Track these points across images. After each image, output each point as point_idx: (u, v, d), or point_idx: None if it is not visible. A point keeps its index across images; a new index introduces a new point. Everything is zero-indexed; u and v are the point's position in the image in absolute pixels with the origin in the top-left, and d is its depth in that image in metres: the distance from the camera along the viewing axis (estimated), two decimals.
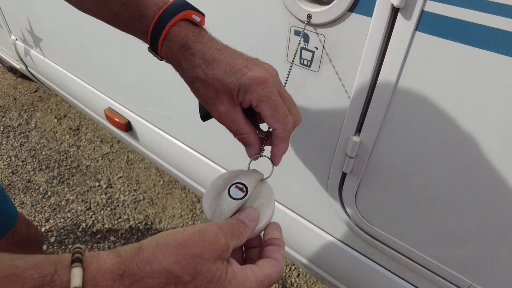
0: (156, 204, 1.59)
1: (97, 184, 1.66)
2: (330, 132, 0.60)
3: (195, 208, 1.57)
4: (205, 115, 0.45)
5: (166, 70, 0.80)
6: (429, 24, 0.43)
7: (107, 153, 1.83)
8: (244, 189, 0.36)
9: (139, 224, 1.50)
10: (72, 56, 1.21)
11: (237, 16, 0.62)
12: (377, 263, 0.70)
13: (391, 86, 0.48)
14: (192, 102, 0.83)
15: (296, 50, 0.56)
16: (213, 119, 0.43)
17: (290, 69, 0.52)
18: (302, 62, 0.57)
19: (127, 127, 1.09)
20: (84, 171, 1.72)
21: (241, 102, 0.38)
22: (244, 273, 0.30)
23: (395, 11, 0.44)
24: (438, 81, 0.45)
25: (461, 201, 0.52)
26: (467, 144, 0.47)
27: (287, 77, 0.50)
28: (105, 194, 1.61)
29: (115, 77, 1.07)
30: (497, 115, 0.43)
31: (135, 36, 0.45)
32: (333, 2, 0.49)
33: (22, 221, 0.79)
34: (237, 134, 0.40)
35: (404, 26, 0.44)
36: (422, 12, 0.42)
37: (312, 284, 1.34)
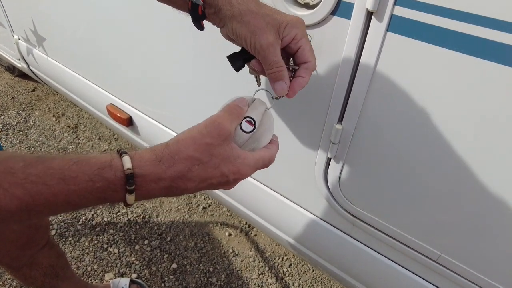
0: (153, 198, 1.64)
1: None
2: (316, 121, 0.67)
3: (191, 203, 1.63)
4: (240, 66, 0.50)
5: (166, 66, 0.88)
6: (398, 25, 0.50)
7: (105, 150, 1.89)
8: (253, 123, 0.45)
9: (137, 218, 1.55)
10: (75, 55, 1.27)
11: None
12: (359, 241, 0.77)
13: (368, 79, 0.56)
14: (190, 97, 0.90)
15: None
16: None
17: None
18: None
19: (129, 122, 1.15)
20: None
21: (282, 38, 0.44)
22: (244, 153, 0.41)
23: (369, 14, 0.52)
24: (407, 75, 0.53)
25: (431, 180, 0.59)
26: (434, 128, 0.54)
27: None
28: None
29: (117, 74, 1.13)
30: (458, 103, 0.51)
31: None
32: (318, 7, 0.56)
33: None
34: (274, 66, 0.44)
35: (377, 27, 0.52)
36: (392, 15, 0.50)
37: (304, 273, 1.41)
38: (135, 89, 1.10)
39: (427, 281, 0.71)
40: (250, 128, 0.44)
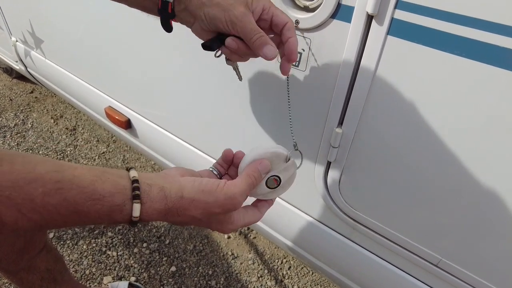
0: None
1: None
2: (316, 124, 0.67)
3: None
4: (218, 45, 0.50)
5: (165, 69, 0.88)
6: (399, 29, 0.50)
7: (103, 153, 1.88)
8: (279, 181, 0.46)
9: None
10: (73, 57, 1.26)
11: None
12: (359, 245, 0.76)
13: (368, 82, 0.55)
14: (189, 100, 0.90)
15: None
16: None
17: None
18: None
19: (127, 124, 1.14)
20: None
21: (252, 11, 0.46)
22: (237, 219, 0.44)
23: (370, 18, 0.51)
24: (407, 78, 0.53)
25: (433, 185, 0.59)
26: (434, 132, 0.54)
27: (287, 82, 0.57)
28: None
29: (115, 76, 1.13)
30: (458, 107, 0.50)
31: None
32: (318, 10, 0.56)
33: None
34: (255, 33, 0.46)
35: (377, 31, 0.51)
36: (392, 19, 0.50)
37: (303, 276, 1.40)
38: (133, 91, 1.10)
39: (428, 286, 0.71)
40: (274, 185, 0.46)
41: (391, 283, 0.75)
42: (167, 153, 1.12)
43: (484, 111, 0.48)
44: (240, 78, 0.59)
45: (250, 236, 1.52)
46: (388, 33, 0.51)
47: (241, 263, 1.41)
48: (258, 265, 1.41)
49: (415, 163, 0.59)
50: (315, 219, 0.82)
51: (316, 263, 0.88)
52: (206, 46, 0.50)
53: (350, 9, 0.52)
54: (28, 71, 1.65)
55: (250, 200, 0.48)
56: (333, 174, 0.69)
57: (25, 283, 0.90)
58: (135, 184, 0.36)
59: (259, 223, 0.96)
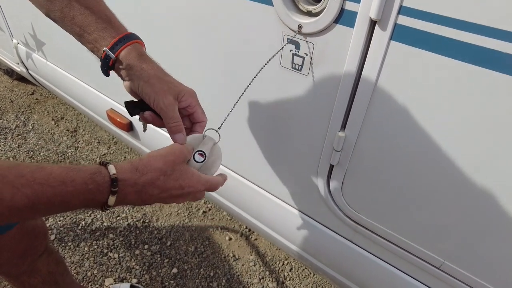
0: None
1: None
2: (319, 128, 0.67)
3: (191, 207, 1.63)
4: (136, 113, 0.58)
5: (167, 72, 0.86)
6: (402, 34, 0.50)
7: (104, 154, 1.88)
8: (204, 155, 0.56)
9: (137, 222, 1.54)
10: (74, 59, 1.27)
11: (238, 25, 0.69)
12: (361, 247, 0.77)
13: (371, 87, 0.56)
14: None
15: (281, 54, 0.64)
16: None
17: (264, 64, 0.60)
18: (293, 66, 0.64)
19: (129, 127, 1.15)
20: None
21: (179, 102, 0.54)
22: (197, 173, 0.52)
23: (373, 23, 0.52)
24: (410, 83, 0.53)
25: (435, 188, 0.59)
26: (437, 136, 0.54)
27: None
28: None
29: (117, 79, 1.13)
30: (460, 111, 0.51)
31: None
32: (321, 15, 0.56)
33: None
34: (175, 121, 0.54)
35: (380, 36, 0.52)
36: (396, 24, 0.50)
37: (304, 277, 1.40)
38: None
39: None
40: (201, 159, 0.56)
41: (393, 286, 0.75)
42: None
43: (488, 115, 0.48)
44: (144, 130, 0.66)
45: (252, 238, 1.52)
46: (391, 38, 0.51)
47: (242, 265, 1.42)
48: (260, 267, 1.42)
49: (416, 166, 0.59)
50: (317, 221, 0.82)
51: (318, 265, 0.88)
52: (128, 107, 0.58)
53: (354, 15, 0.53)
54: (30, 73, 1.66)
55: None
56: (335, 177, 0.69)
57: (26, 287, 0.90)
58: (103, 159, 0.44)
59: (261, 225, 0.97)
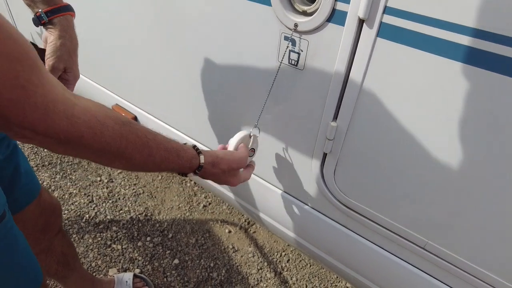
0: (155, 197, 1.69)
1: (98, 179, 1.75)
2: (313, 119, 0.72)
3: (191, 201, 1.68)
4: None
5: (169, 68, 0.94)
6: (387, 32, 0.56)
7: None
8: (254, 151, 0.79)
9: (139, 215, 1.59)
10: (83, 58, 1.32)
11: (240, 24, 0.75)
12: (353, 232, 0.82)
13: (360, 79, 0.61)
14: (192, 97, 0.96)
15: (285, 52, 0.69)
16: None
17: (279, 68, 0.65)
18: (290, 62, 0.70)
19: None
20: (86, 167, 1.82)
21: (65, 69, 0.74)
22: (240, 176, 0.72)
23: (361, 22, 0.57)
24: (395, 75, 0.59)
25: (420, 174, 0.65)
26: (420, 124, 0.60)
27: (276, 74, 0.63)
28: (107, 188, 1.71)
29: (122, 76, 1.18)
30: (439, 102, 0.56)
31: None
32: (315, 14, 0.62)
33: (44, 189, 0.89)
34: (49, 56, 0.71)
35: (368, 34, 0.57)
36: (381, 23, 0.56)
37: (301, 268, 1.46)
38: (140, 90, 1.15)
39: (417, 268, 0.77)
40: (252, 153, 0.79)
41: (382, 267, 0.80)
42: None
43: (464, 106, 0.54)
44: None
45: (250, 230, 1.57)
46: (377, 35, 0.57)
47: (241, 256, 1.47)
48: (258, 258, 1.47)
49: (403, 154, 0.65)
50: (312, 207, 0.88)
51: (314, 250, 0.93)
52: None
53: (344, 14, 0.58)
54: None
55: None
56: (328, 164, 0.75)
57: (43, 266, 0.95)
58: (196, 147, 0.64)
59: (262, 214, 1.02)
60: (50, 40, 0.70)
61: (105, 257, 1.42)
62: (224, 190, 1.10)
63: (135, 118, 1.20)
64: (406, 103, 0.60)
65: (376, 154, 0.68)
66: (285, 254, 1.49)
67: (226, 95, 0.88)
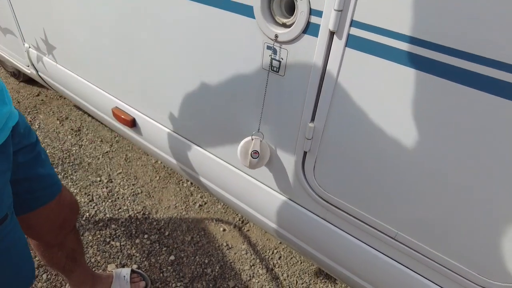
0: (152, 196, 1.76)
1: (98, 179, 1.82)
2: (294, 120, 0.79)
3: (188, 200, 1.75)
4: None
5: (167, 72, 1.02)
6: (354, 43, 0.63)
7: (107, 152, 2.00)
8: (258, 153, 0.86)
9: (137, 214, 1.66)
10: (83, 62, 1.39)
11: (226, 36, 0.82)
12: (332, 224, 0.89)
13: (332, 84, 0.69)
14: (190, 100, 1.03)
15: (270, 61, 0.76)
16: None
17: (268, 75, 0.73)
18: (272, 68, 0.77)
19: (132, 123, 1.27)
20: (86, 167, 1.89)
21: None
22: None
23: (332, 33, 0.64)
24: (362, 81, 0.66)
25: (388, 168, 0.71)
26: (384, 123, 0.67)
27: (267, 83, 0.74)
28: (106, 188, 1.78)
29: (122, 80, 1.26)
30: (398, 103, 0.63)
31: None
32: (293, 26, 0.69)
33: (65, 188, 0.94)
34: None
35: (338, 44, 0.64)
36: (349, 35, 0.63)
37: (292, 265, 1.52)
38: (138, 93, 1.23)
39: (389, 257, 0.83)
40: (256, 155, 0.86)
41: (357, 256, 0.87)
42: (169, 149, 1.24)
43: (421, 106, 0.61)
44: None
45: (244, 229, 1.64)
46: (346, 45, 0.64)
47: (235, 253, 1.53)
48: (251, 255, 1.53)
49: (373, 150, 0.71)
50: (296, 202, 0.94)
51: (298, 243, 1.00)
52: None
53: (317, 27, 0.66)
54: (39, 75, 1.78)
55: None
56: (308, 162, 0.82)
57: (54, 259, 1.01)
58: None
59: (251, 210, 1.09)
60: None
61: (104, 253, 1.48)
62: (222, 192, 1.17)
63: (134, 121, 1.27)
64: (372, 105, 0.66)
65: (350, 151, 0.75)
66: (277, 252, 1.55)
67: (220, 99, 0.95)
